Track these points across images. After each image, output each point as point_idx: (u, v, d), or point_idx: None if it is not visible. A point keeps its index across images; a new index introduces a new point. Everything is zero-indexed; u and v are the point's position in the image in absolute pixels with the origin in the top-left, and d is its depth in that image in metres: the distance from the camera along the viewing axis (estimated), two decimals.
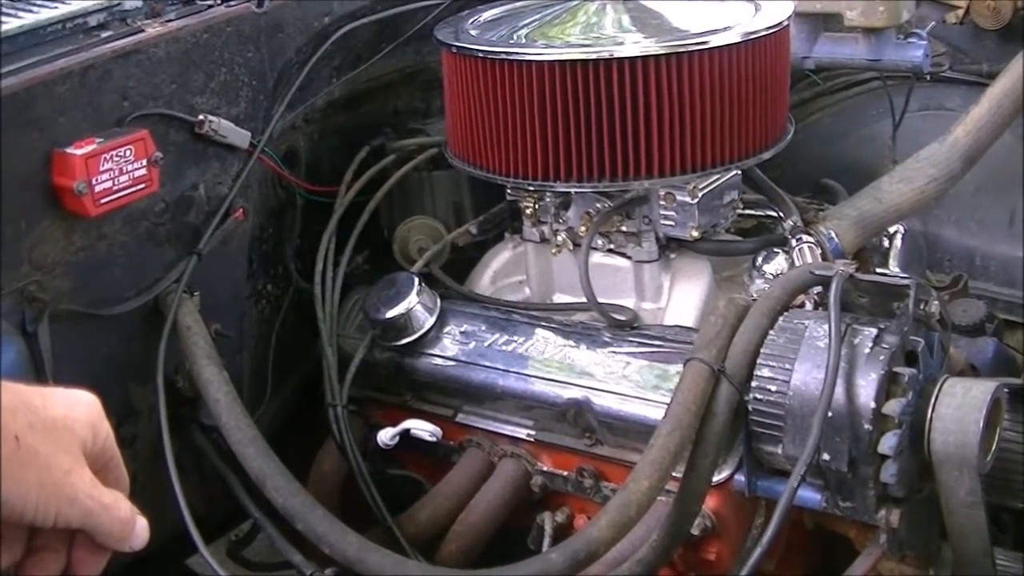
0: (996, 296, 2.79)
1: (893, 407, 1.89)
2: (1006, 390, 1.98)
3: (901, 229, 2.50)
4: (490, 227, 2.62)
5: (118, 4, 2.16)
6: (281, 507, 2.00)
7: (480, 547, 2.28)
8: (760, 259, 2.33)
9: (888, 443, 1.88)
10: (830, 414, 1.89)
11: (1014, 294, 2.81)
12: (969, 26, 3.22)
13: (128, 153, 1.99)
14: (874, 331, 1.94)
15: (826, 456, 1.92)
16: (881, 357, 1.91)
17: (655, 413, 2.12)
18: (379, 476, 2.36)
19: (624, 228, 2.39)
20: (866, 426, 1.89)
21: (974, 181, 2.67)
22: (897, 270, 2.49)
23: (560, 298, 2.50)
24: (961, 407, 1.91)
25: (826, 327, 1.93)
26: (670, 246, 2.41)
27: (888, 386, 1.91)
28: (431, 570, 2.01)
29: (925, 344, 1.97)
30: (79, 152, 1.93)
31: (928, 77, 2.86)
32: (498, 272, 2.58)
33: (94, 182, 1.95)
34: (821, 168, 2.83)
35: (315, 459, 2.45)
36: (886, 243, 2.51)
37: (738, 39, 2.21)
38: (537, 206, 2.44)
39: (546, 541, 2.24)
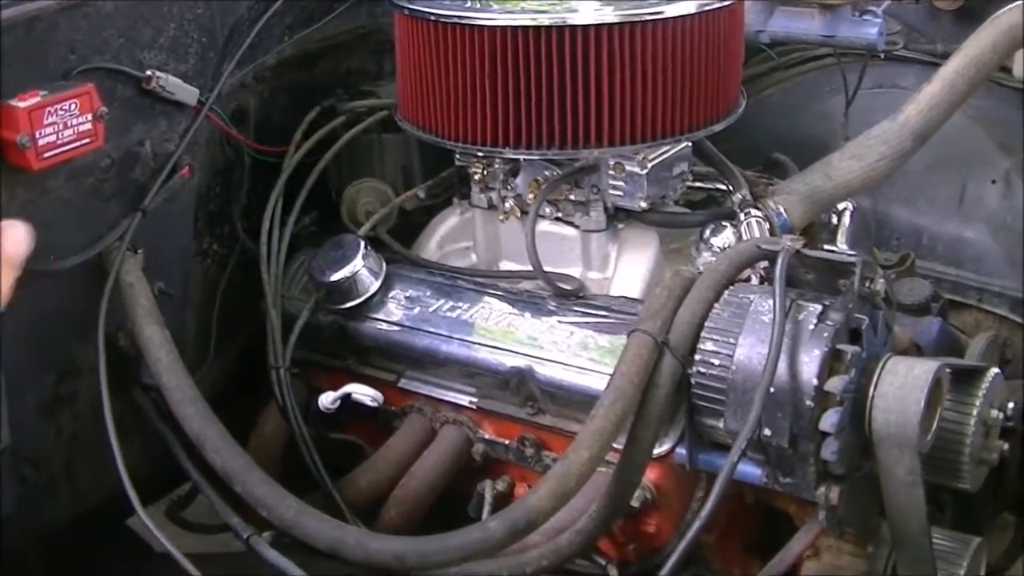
0: (942, 276, 2.81)
1: (835, 384, 1.89)
2: (948, 370, 1.98)
3: (850, 206, 2.49)
4: (438, 192, 2.60)
5: None
6: (220, 469, 1.98)
7: (420, 513, 2.28)
8: (708, 232, 2.32)
9: (829, 420, 1.88)
10: (772, 390, 1.88)
11: (960, 274, 2.82)
12: (925, 5, 3.21)
13: (73, 107, 1.96)
14: (819, 308, 1.94)
15: (767, 431, 1.92)
16: (825, 334, 1.90)
17: (598, 383, 2.11)
18: (321, 440, 2.36)
19: (572, 197, 2.38)
20: (808, 403, 1.89)
21: (924, 160, 2.67)
22: (845, 247, 2.48)
23: (507, 265, 2.49)
24: (903, 386, 1.91)
25: (771, 302, 1.92)
26: (618, 216, 2.39)
27: (831, 363, 1.91)
28: (369, 535, 2.00)
29: (869, 322, 1.96)
30: (23, 105, 1.90)
31: (882, 55, 2.85)
32: (445, 237, 2.56)
33: (38, 135, 1.92)
34: (773, 143, 2.82)
35: (257, 421, 2.44)
36: (835, 220, 2.50)
37: (693, 10, 2.19)
38: (486, 172, 2.43)
39: (486, 509, 2.24)
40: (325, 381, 2.42)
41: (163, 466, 2.27)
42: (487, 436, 2.31)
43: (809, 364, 1.89)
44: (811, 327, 1.92)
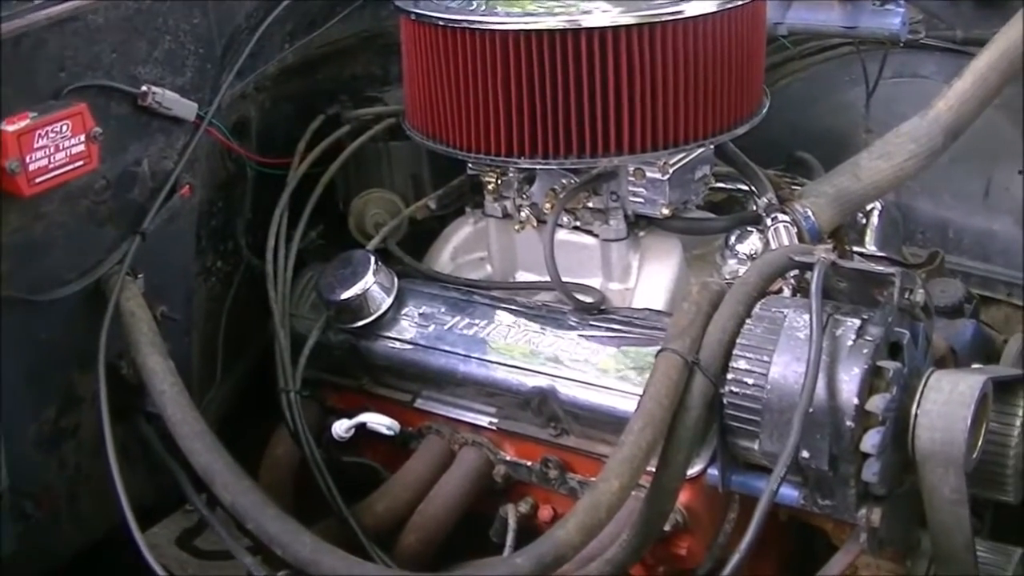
0: (970, 271, 2.74)
1: (877, 403, 1.80)
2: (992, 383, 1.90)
3: (878, 206, 2.43)
4: (450, 201, 2.52)
5: None
6: (230, 506, 1.90)
7: (440, 538, 2.21)
8: (733, 238, 2.26)
9: (871, 441, 1.79)
10: (810, 410, 1.79)
11: (989, 268, 2.75)
12: None
13: (64, 129, 1.90)
14: (857, 322, 1.85)
15: (805, 454, 1.83)
16: (865, 350, 1.82)
17: (623, 403, 2.05)
18: (334, 463, 2.28)
19: (591, 205, 2.30)
20: (848, 423, 1.80)
21: (949, 152, 2.59)
22: (874, 248, 2.42)
23: (523, 276, 2.42)
24: (948, 403, 1.83)
25: (806, 317, 1.84)
26: (639, 224, 2.32)
27: (872, 380, 1.82)
28: (388, 572, 1.92)
29: (910, 335, 1.88)
30: (11, 128, 1.83)
31: (902, 44, 2.78)
32: (458, 248, 2.49)
33: (28, 160, 1.85)
34: (792, 136, 2.76)
35: (268, 444, 2.35)
36: (862, 220, 2.43)
37: (714, 8, 2.11)
38: (500, 181, 2.35)
39: (510, 534, 2.16)
40: (338, 401, 2.35)
41: (172, 493, 2.21)
42: (508, 458, 2.24)
43: (849, 383, 1.81)
44: (849, 343, 1.83)
